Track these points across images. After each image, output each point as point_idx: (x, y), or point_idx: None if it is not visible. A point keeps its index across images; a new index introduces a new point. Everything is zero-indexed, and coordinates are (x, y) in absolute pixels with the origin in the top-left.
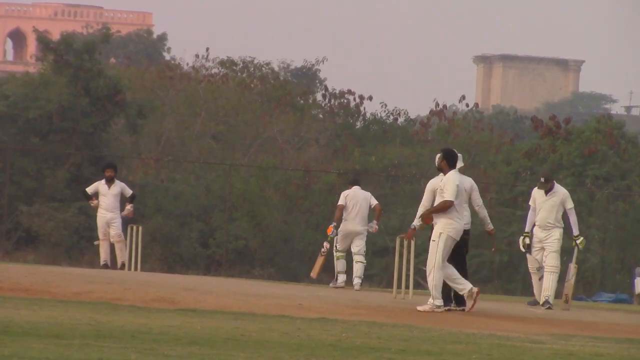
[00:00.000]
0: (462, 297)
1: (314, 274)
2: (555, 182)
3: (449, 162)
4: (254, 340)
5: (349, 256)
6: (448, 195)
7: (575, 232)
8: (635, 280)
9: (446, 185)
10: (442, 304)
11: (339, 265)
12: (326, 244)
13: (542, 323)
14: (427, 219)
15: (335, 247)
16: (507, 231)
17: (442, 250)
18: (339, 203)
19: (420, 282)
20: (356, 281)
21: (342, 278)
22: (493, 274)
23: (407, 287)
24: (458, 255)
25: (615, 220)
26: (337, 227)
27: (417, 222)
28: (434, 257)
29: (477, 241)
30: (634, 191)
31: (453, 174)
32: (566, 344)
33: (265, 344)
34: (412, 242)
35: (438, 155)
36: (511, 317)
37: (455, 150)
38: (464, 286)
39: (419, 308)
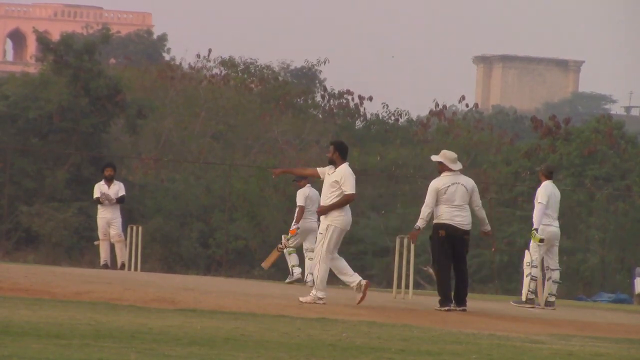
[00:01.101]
0: (462, 297)
1: (266, 265)
2: (545, 178)
3: (342, 153)
4: (254, 340)
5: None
6: (349, 189)
7: (534, 225)
8: (635, 280)
9: (345, 178)
10: (325, 296)
11: (293, 259)
12: (285, 241)
13: (542, 323)
14: (324, 212)
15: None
16: (507, 231)
17: (328, 242)
18: (301, 204)
19: (420, 282)
20: (310, 277)
21: (298, 271)
22: (493, 274)
23: (407, 287)
24: (458, 256)
25: (615, 220)
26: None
27: (420, 223)
28: (320, 249)
29: (477, 241)
30: (634, 191)
31: (348, 167)
32: (566, 344)
33: (265, 344)
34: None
35: (330, 148)
36: (511, 317)
37: (346, 142)
38: (352, 278)
39: (301, 299)
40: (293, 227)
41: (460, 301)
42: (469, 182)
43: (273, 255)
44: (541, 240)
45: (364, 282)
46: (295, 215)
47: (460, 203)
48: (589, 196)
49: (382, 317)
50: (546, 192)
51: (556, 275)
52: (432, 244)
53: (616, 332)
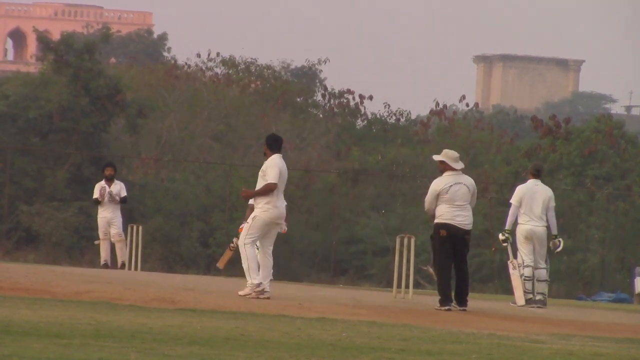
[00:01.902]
0: (462, 296)
1: (221, 264)
2: (532, 176)
3: (270, 146)
4: (254, 340)
5: None
6: (271, 178)
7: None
8: (635, 280)
9: (269, 168)
10: (260, 281)
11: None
12: (235, 240)
13: (542, 323)
14: (246, 197)
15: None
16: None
17: (249, 230)
18: (251, 202)
19: (420, 282)
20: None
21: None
22: (493, 273)
23: (407, 287)
24: (459, 255)
25: (615, 220)
26: None
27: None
28: (243, 237)
29: (477, 241)
30: (634, 191)
31: (276, 158)
32: (566, 344)
33: (265, 344)
34: (412, 242)
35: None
36: (511, 316)
37: (279, 135)
38: (256, 277)
39: (240, 293)
40: (243, 225)
41: (461, 301)
42: (471, 182)
43: (226, 255)
44: (504, 241)
45: (265, 295)
46: (246, 214)
47: (462, 203)
48: (589, 196)
49: (382, 317)
50: (519, 193)
51: (540, 274)
52: (433, 244)
53: (616, 332)
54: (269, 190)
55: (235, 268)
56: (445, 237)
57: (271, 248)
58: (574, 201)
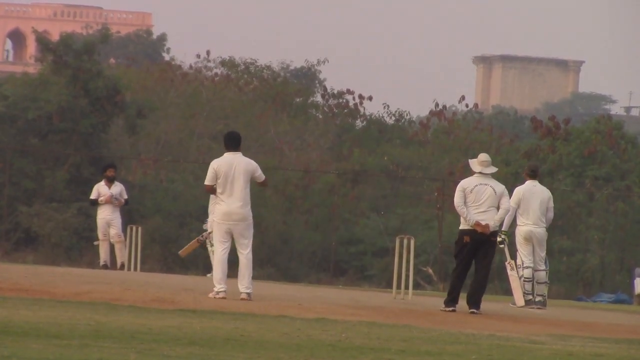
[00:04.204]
0: (475, 300)
1: (183, 253)
2: (528, 177)
3: (224, 144)
4: (253, 341)
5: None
6: (205, 181)
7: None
8: (635, 281)
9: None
10: (222, 289)
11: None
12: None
13: (542, 323)
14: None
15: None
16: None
17: (214, 234)
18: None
19: (420, 283)
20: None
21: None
22: (493, 273)
23: (406, 287)
24: (482, 257)
25: (614, 220)
26: None
27: (469, 219)
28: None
29: None
30: (634, 192)
31: (222, 157)
32: (566, 344)
33: (265, 344)
34: (412, 243)
35: None
36: (511, 317)
37: (233, 133)
38: (219, 284)
39: (209, 295)
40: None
41: (472, 304)
42: (499, 186)
43: (191, 246)
44: (500, 243)
45: (220, 295)
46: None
47: (487, 207)
48: (588, 196)
49: (381, 318)
50: (517, 194)
51: (539, 276)
52: (455, 247)
53: (616, 332)
54: (207, 192)
55: (231, 269)
56: (467, 244)
57: (245, 249)
58: (573, 202)
